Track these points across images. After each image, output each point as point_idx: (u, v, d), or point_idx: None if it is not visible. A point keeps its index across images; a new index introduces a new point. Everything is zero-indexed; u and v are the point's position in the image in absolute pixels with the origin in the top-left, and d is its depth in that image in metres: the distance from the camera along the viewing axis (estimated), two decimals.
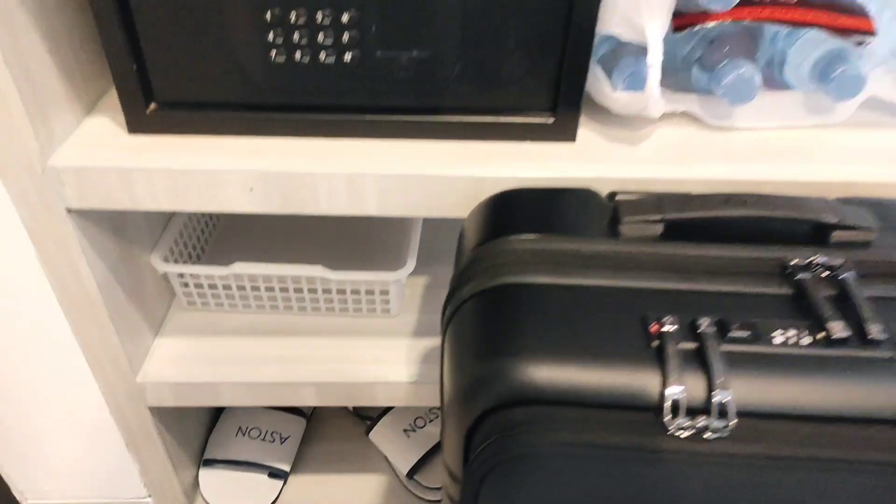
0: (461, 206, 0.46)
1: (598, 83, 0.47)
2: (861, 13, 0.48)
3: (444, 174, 0.44)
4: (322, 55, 0.42)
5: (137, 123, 0.46)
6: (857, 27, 0.47)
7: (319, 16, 0.41)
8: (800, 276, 0.36)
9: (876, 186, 0.45)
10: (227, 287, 0.61)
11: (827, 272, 0.36)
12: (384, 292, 0.61)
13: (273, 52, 0.42)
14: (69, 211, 0.46)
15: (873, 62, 0.52)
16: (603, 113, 0.49)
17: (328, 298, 0.62)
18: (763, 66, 0.52)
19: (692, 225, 0.39)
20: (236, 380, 0.59)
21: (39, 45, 0.43)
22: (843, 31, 0.47)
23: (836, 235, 0.38)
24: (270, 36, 0.41)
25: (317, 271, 0.58)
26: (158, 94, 0.45)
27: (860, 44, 0.48)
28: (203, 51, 0.43)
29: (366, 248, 0.69)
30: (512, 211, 0.41)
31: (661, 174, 0.45)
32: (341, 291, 0.61)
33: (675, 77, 0.52)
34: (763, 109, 0.49)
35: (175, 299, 0.64)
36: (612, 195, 0.43)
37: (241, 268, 0.59)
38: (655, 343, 0.32)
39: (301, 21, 0.41)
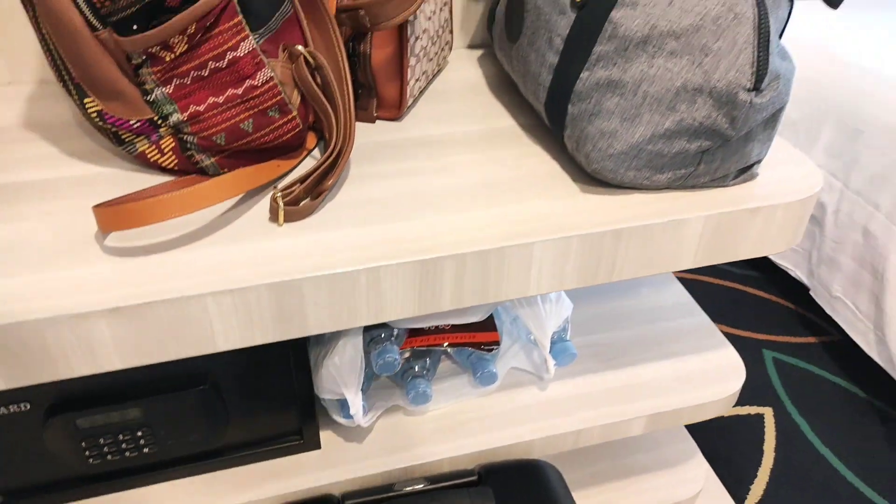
0: None
1: (334, 412, 0.70)
2: (492, 329, 0.75)
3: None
4: (127, 454, 0.62)
5: None
6: (488, 340, 0.74)
7: (121, 436, 0.60)
8: None
9: (511, 447, 0.71)
10: None
11: None
12: None
13: (90, 460, 0.61)
14: None
15: (513, 340, 0.80)
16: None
17: None
18: (444, 357, 0.78)
19: None
20: None
21: None
22: (479, 345, 0.74)
23: None
24: (87, 453, 0.60)
25: None
26: (9, 487, 0.62)
27: (491, 350, 0.75)
28: (36, 458, 0.61)
29: None
30: None
31: (379, 468, 0.68)
32: None
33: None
34: (444, 393, 0.75)
35: None
36: (343, 500, 0.66)
37: None
38: None
39: (109, 441, 0.60)
